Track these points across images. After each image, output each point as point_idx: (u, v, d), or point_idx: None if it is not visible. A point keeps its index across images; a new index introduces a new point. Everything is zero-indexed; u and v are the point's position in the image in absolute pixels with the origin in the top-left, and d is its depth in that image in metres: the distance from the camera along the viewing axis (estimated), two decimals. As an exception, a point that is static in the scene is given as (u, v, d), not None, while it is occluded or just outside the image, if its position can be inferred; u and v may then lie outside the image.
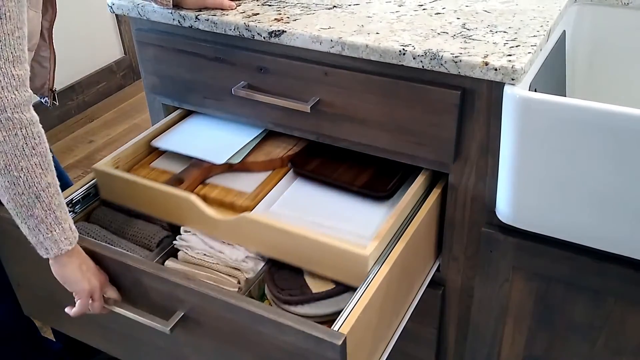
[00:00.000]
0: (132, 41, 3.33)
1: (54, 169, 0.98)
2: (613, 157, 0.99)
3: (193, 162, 1.36)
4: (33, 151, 0.94)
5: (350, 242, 1.10)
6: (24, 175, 0.94)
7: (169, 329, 1.01)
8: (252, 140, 1.42)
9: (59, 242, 1.01)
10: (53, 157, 1.43)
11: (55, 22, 1.27)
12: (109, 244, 1.22)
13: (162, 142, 1.43)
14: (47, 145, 0.97)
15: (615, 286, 1.17)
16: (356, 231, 1.19)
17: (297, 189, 1.32)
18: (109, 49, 3.45)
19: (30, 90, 0.94)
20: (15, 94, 0.91)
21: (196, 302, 1.00)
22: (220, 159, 1.35)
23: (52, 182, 0.97)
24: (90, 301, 1.08)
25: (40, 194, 0.96)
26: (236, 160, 1.37)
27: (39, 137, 0.95)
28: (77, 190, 1.34)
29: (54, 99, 1.37)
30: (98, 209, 1.36)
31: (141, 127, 3.07)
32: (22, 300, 1.32)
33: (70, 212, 1.31)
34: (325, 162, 1.37)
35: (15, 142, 0.92)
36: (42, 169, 0.95)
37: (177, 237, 1.28)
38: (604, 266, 1.15)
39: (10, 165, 0.93)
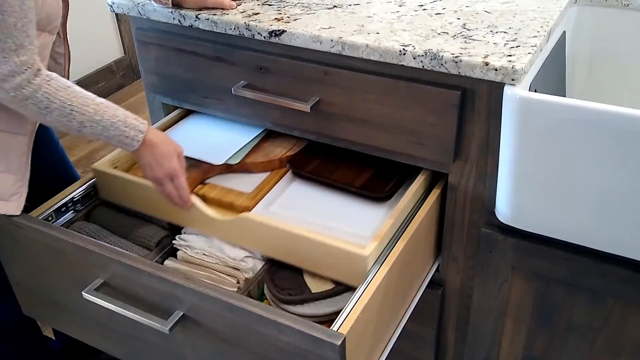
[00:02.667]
0: (132, 41, 3.33)
1: (83, 102, 1.09)
2: (613, 157, 0.99)
3: (192, 163, 1.34)
4: (47, 110, 1.07)
5: (350, 242, 1.10)
6: (57, 123, 1.10)
7: (168, 328, 1.01)
8: (251, 140, 1.42)
9: (129, 143, 1.15)
10: (60, 150, 1.45)
11: (68, 17, 1.27)
12: (108, 243, 1.22)
13: None
14: (62, 94, 1.08)
15: (614, 287, 1.17)
16: (355, 232, 1.18)
17: (296, 190, 1.32)
18: (108, 49, 3.45)
19: (32, 66, 1.04)
20: (15, 77, 1.03)
21: (195, 301, 1.00)
22: (218, 160, 1.35)
23: (83, 119, 1.09)
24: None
25: (80, 129, 1.11)
26: (235, 161, 1.36)
27: (46, 97, 1.06)
28: (77, 189, 1.34)
29: None
30: (98, 208, 1.36)
31: (140, 127, 3.06)
32: (20, 300, 1.32)
33: (71, 210, 1.32)
34: (324, 163, 1.36)
35: (32, 110, 1.07)
36: (66, 116, 1.08)
37: (176, 237, 1.28)
38: (603, 267, 1.15)
39: (44, 121, 1.10)
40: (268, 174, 1.37)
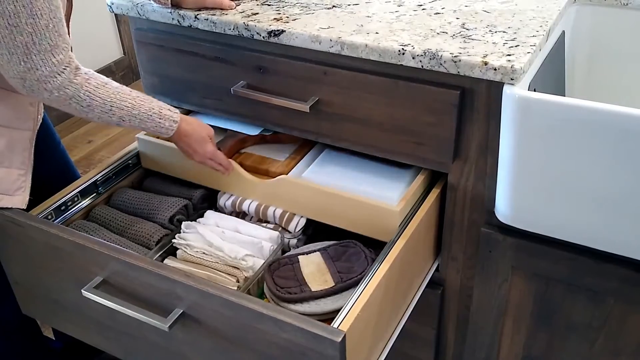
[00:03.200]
0: (131, 41, 3.34)
1: (121, 98, 1.15)
2: (612, 156, 1.00)
3: (228, 134, 1.44)
4: (89, 107, 1.12)
5: (381, 200, 1.22)
6: (98, 119, 1.15)
7: (167, 326, 1.00)
8: None
9: (165, 133, 1.22)
10: (62, 150, 1.47)
11: (71, 16, 1.28)
12: (107, 242, 1.21)
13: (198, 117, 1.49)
14: (101, 92, 1.12)
15: (614, 286, 1.17)
16: (382, 194, 1.26)
17: (327, 158, 1.41)
18: (108, 49, 3.45)
19: (69, 64, 1.08)
20: (56, 77, 1.06)
21: (195, 299, 1.00)
22: (254, 131, 1.43)
23: (122, 114, 1.16)
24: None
25: (119, 123, 1.17)
26: (269, 132, 1.44)
27: (87, 96, 1.11)
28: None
29: None
30: (98, 207, 1.37)
31: (140, 128, 3.07)
32: (19, 299, 1.32)
33: (94, 193, 1.39)
34: None
35: (75, 108, 1.11)
36: (106, 112, 1.14)
37: (176, 236, 1.28)
38: (603, 266, 1.15)
39: (86, 117, 1.15)
40: (299, 144, 1.46)
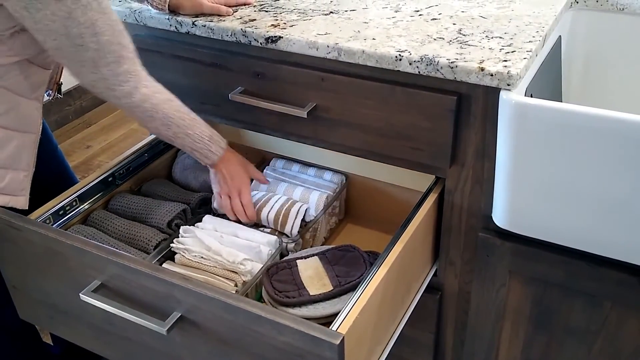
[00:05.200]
0: (129, 50, 3.34)
1: (180, 116, 1.22)
2: (609, 162, 1.00)
3: None
4: (151, 118, 1.19)
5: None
6: (155, 130, 1.23)
7: (165, 329, 1.00)
8: None
9: (210, 157, 1.29)
10: (60, 154, 1.48)
11: None
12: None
13: None
14: (165, 106, 1.20)
15: (611, 290, 1.17)
16: None
17: None
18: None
19: (136, 73, 1.15)
20: (123, 86, 1.13)
21: (193, 302, 1.00)
22: None
23: (177, 131, 1.23)
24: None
25: (172, 137, 1.24)
26: None
27: (152, 107, 1.18)
28: (82, 188, 1.42)
29: (59, 91, 1.44)
30: (95, 212, 1.37)
31: (138, 132, 3.07)
32: (17, 303, 1.31)
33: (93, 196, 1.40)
34: None
35: (138, 115, 1.19)
36: (164, 125, 1.21)
37: (174, 240, 1.28)
38: (600, 271, 1.16)
39: (145, 126, 1.23)
40: None
